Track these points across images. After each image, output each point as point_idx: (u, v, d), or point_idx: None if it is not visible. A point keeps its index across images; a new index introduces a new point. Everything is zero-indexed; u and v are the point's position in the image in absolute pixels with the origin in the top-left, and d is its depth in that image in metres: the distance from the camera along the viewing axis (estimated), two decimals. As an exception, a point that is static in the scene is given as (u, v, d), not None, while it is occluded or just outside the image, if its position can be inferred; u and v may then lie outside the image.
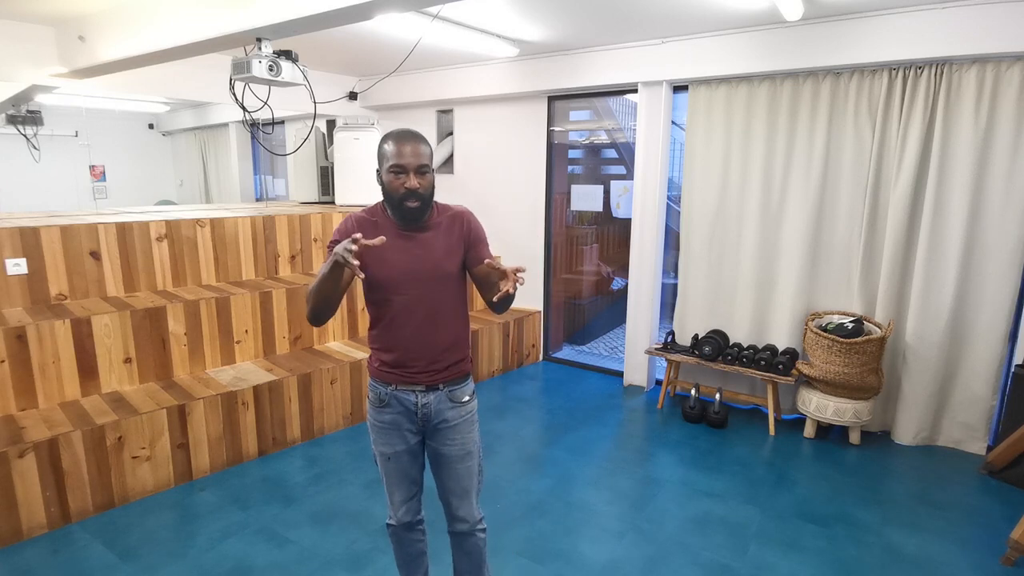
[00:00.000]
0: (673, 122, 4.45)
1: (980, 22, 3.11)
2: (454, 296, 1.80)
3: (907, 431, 3.69)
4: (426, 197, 1.68)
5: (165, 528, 2.75)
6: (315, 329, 4.14)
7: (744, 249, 4.11)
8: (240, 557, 2.55)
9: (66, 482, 2.73)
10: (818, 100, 3.72)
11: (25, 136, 5.80)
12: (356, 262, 1.46)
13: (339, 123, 5.34)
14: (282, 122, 7.00)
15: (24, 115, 5.55)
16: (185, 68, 4.21)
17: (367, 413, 1.90)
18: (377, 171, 1.71)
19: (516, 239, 5.27)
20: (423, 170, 1.66)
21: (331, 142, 5.56)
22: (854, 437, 3.69)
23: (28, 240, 3.16)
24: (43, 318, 2.99)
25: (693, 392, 4.12)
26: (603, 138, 5.67)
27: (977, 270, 3.44)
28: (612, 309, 6.06)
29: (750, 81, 3.93)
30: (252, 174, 7.87)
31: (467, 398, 1.85)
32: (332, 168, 5.53)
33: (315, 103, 3.70)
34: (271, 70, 2.88)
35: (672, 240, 4.71)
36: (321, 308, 1.66)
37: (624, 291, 4.72)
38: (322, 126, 6.19)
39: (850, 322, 3.59)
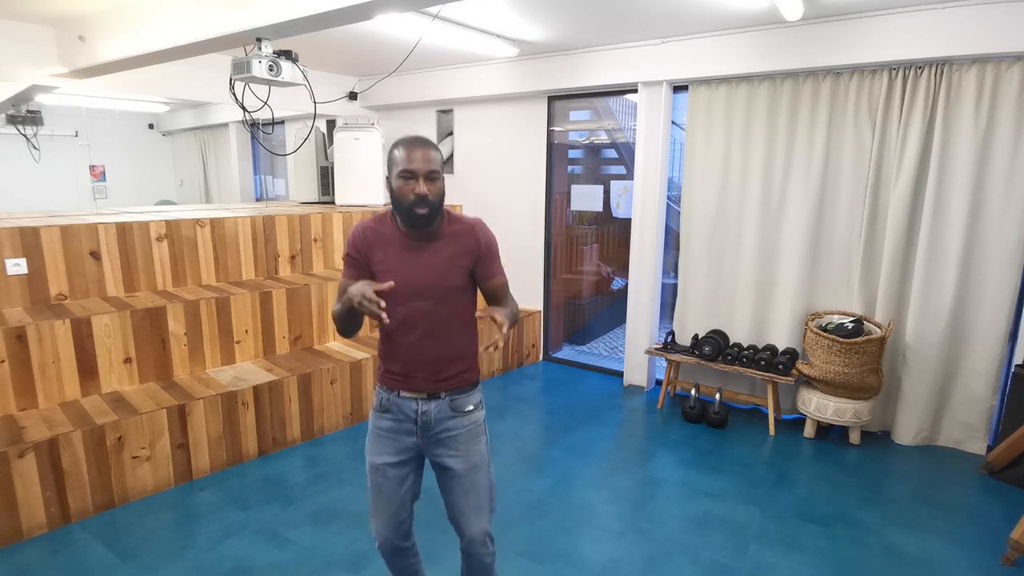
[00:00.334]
0: (673, 122, 4.45)
1: (980, 22, 3.11)
2: (459, 309, 1.76)
3: (907, 431, 3.69)
4: (435, 204, 1.65)
5: (165, 528, 2.75)
6: (315, 329, 4.14)
7: (744, 249, 4.11)
8: (240, 557, 2.55)
9: (66, 482, 2.73)
10: (818, 100, 3.72)
11: (25, 136, 5.80)
12: (384, 315, 1.53)
13: (339, 123, 5.34)
14: (282, 122, 7.00)
15: (24, 115, 5.55)
16: (185, 68, 4.21)
17: (369, 421, 1.87)
18: (386, 178, 1.69)
19: (516, 239, 5.27)
20: (433, 176, 1.63)
21: (331, 142, 5.56)
22: (854, 437, 3.70)
23: (28, 240, 3.16)
24: (43, 318, 2.99)
25: (693, 392, 4.12)
26: (603, 138, 5.67)
27: (977, 270, 3.44)
28: (612, 309, 6.06)
29: (750, 81, 3.93)
30: (252, 174, 7.87)
31: (471, 407, 1.80)
32: (332, 168, 5.53)
33: (315, 103, 3.70)
34: (271, 70, 2.88)
35: (672, 240, 4.71)
36: (348, 332, 1.77)
37: (624, 291, 4.72)
38: (322, 126, 6.19)
39: (850, 322, 3.59)
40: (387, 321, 1.56)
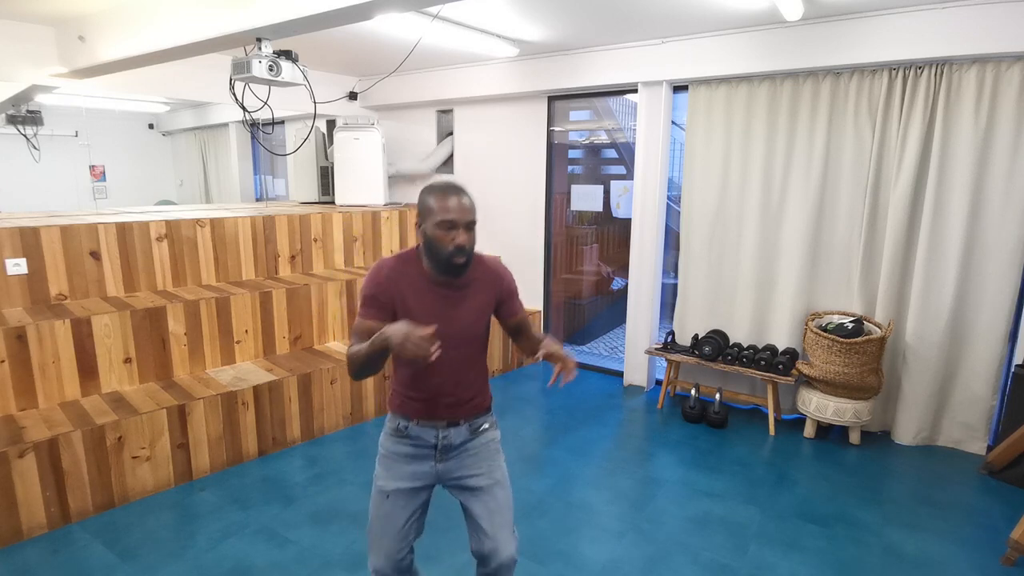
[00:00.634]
0: (673, 122, 4.45)
1: (980, 22, 3.11)
2: (480, 348, 1.80)
3: (907, 431, 3.69)
4: (472, 253, 1.65)
5: (165, 528, 2.75)
6: (315, 329, 4.14)
7: (744, 249, 4.11)
8: (240, 557, 2.55)
9: (66, 482, 2.73)
10: (818, 100, 3.72)
11: (25, 136, 5.80)
12: (434, 356, 1.46)
13: (339, 123, 5.34)
14: (282, 122, 7.00)
15: (24, 115, 5.55)
16: (185, 68, 4.21)
17: (380, 445, 1.80)
18: (417, 224, 1.67)
19: (516, 239, 5.28)
20: (471, 226, 1.63)
21: (331, 142, 5.56)
22: (854, 437, 3.70)
23: (28, 240, 3.16)
24: (43, 318, 2.99)
25: (693, 392, 4.11)
26: (603, 138, 5.67)
27: (977, 270, 3.44)
28: (612, 309, 6.07)
29: (750, 81, 3.93)
30: (252, 174, 7.87)
31: (487, 426, 1.82)
32: (332, 168, 5.53)
33: (315, 103, 3.70)
34: (271, 70, 2.88)
35: (672, 240, 4.71)
36: (366, 373, 1.63)
37: (624, 291, 4.72)
38: (322, 126, 6.19)
39: (850, 322, 3.59)
40: (431, 359, 1.48)
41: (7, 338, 2.85)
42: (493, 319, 1.82)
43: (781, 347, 4.00)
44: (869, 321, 3.69)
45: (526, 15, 3.59)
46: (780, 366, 3.80)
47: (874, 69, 3.52)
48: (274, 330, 3.90)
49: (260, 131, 4.26)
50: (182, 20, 3.00)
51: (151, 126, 8.70)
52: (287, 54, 2.96)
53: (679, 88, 4.30)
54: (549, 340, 1.69)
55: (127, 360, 3.26)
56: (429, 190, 1.65)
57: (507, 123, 5.20)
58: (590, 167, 5.91)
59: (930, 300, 3.54)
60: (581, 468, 3.38)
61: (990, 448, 3.49)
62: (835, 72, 3.64)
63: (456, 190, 1.63)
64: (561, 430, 3.90)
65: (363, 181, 5.26)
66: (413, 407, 1.74)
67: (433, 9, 3.31)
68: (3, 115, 5.46)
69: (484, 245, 5.57)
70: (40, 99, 5.08)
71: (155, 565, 2.49)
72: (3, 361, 2.85)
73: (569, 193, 5.25)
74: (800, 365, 3.80)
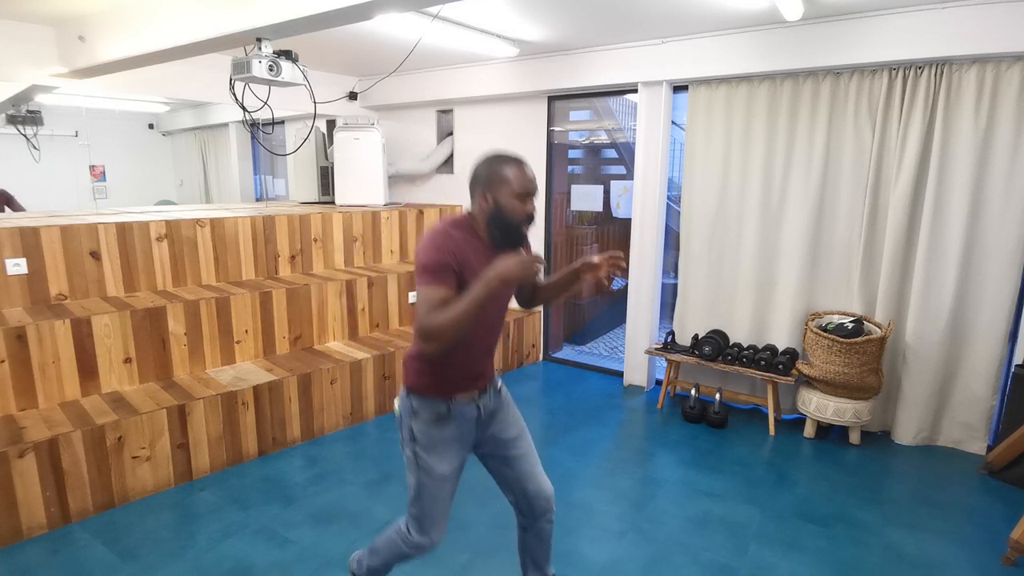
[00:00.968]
0: (673, 122, 4.45)
1: (980, 22, 3.11)
2: (507, 303, 1.91)
3: (907, 431, 3.69)
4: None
5: (165, 528, 2.75)
6: (315, 329, 4.14)
7: (744, 249, 4.11)
8: (240, 557, 2.55)
9: (66, 482, 2.73)
10: (818, 100, 3.72)
11: (25, 136, 5.79)
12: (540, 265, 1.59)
13: (339, 123, 5.34)
14: (282, 122, 7.00)
15: (24, 115, 5.54)
16: (185, 68, 4.21)
17: (415, 434, 1.78)
18: (483, 192, 1.70)
19: (516, 239, 5.26)
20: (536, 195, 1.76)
21: (331, 142, 5.56)
22: (854, 437, 3.69)
23: (28, 240, 3.16)
24: (43, 318, 2.99)
25: (693, 392, 4.12)
26: (603, 138, 5.67)
27: (977, 270, 3.44)
28: (612, 309, 6.06)
29: (750, 81, 3.93)
30: (252, 174, 7.87)
31: (500, 383, 1.96)
32: (332, 168, 5.53)
33: (315, 103, 3.70)
34: (271, 70, 2.88)
35: (672, 240, 4.71)
36: (460, 333, 1.62)
37: (624, 291, 4.72)
38: (322, 126, 6.19)
39: (850, 322, 3.59)
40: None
41: (7, 338, 2.85)
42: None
43: (781, 347, 4.00)
44: (869, 321, 3.69)
45: (526, 15, 3.59)
46: (780, 366, 3.80)
47: (874, 69, 3.52)
48: (274, 330, 3.90)
49: (260, 131, 4.26)
50: (182, 20, 3.00)
51: (151, 126, 8.69)
52: (287, 54, 2.96)
53: (679, 88, 4.30)
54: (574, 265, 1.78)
55: (127, 360, 3.26)
56: (500, 161, 1.70)
57: (507, 123, 5.20)
58: (590, 167, 5.91)
59: (930, 300, 3.54)
60: (581, 468, 3.38)
61: (990, 448, 3.49)
62: (835, 72, 3.64)
63: (525, 162, 1.72)
64: (561, 430, 3.90)
65: (363, 181, 5.26)
66: (454, 385, 1.79)
67: (433, 9, 3.31)
68: (3, 115, 5.46)
69: (484, 245, 5.57)
70: (40, 99, 5.08)
71: (155, 565, 2.49)
72: (3, 361, 2.85)
73: (569, 193, 5.26)
74: (800, 365, 3.80)
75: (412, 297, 4.75)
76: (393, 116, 6.03)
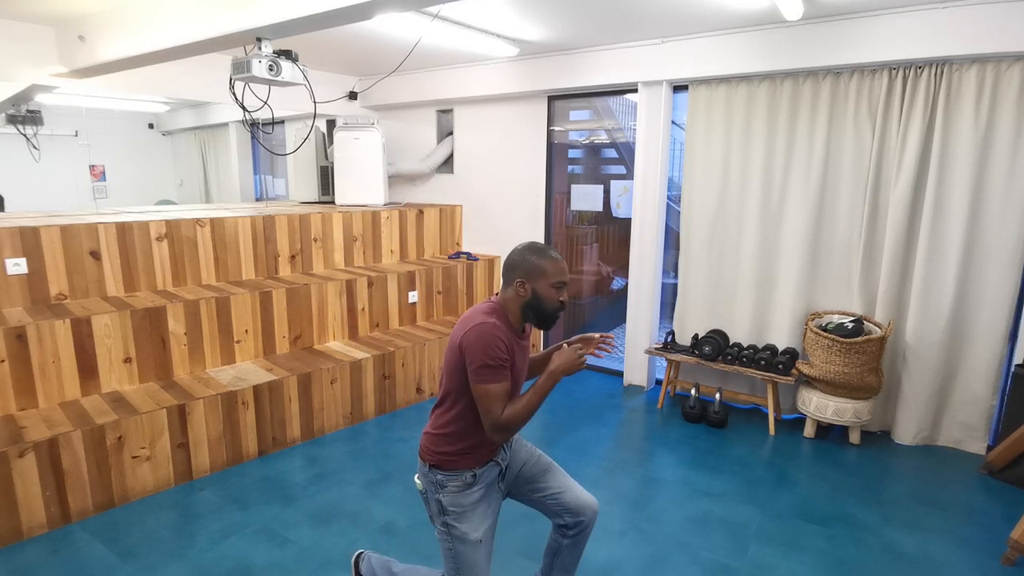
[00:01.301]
0: (673, 122, 4.45)
1: (980, 22, 3.10)
2: None
3: (907, 431, 3.69)
4: None
5: (165, 528, 2.75)
6: (315, 329, 4.14)
7: (744, 249, 4.11)
8: (240, 557, 2.55)
9: (66, 482, 2.73)
10: (818, 100, 3.72)
11: (25, 136, 5.80)
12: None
13: (339, 123, 5.34)
14: (282, 122, 7.00)
15: (24, 115, 5.55)
16: (185, 68, 4.21)
17: (445, 506, 1.81)
18: (520, 282, 1.79)
19: (516, 239, 5.26)
20: None
21: (331, 142, 5.56)
22: (854, 437, 3.70)
23: (28, 240, 3.16)
24: (43, 318, 2.99)
25: (693, 392, 4.12)
26: (603, 138, 5.67)
27: (977, 270, 3.44)
28: (612, 309, 6.06)
29: (750, 81, 3.93)
30: (252, 174, 7.87)
31: None
32: (332, 168, 5.53)
33: (315, 103, 3.70)
34: (271, 70, 2.87)
35: (672, 240, 4.71)
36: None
37: (624, 291, 4.72)
38: (322, 126, 6.19)
39: (850, 322, 3.59)
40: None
41: (7, 338, 2.85)
42: None
43: (781, 347, 4.00)
44: (869, 321, 3.69)
45: (526, 15, 3.59)
46: (780, 366, 3.80)
47: (874, 69, 3.52)
48: (274, 330, 3.90)
49: (260, 131, 4.27)
50: (182, 20, 3.00)
51: (151, 126, 8.70)
52: (287, 54, 2.96)
53: (679, 88, 4.30)
54: (557, 355, 1.83)
55: (127, 360, 3.26)
56: (536, 252, 1.81)
57: (507, 123, 5.20)
58: (590, 167, 5.91)
59: (930, 300, 3.54)
60: (581, 468, 3.38)
61: (990, 448, 3.49)
62: (835, 72, 3.64)
63: (557, 253, 1.84)
64: (561, 430, 3.90)
65: (363, 181, 5.26)
66: (480, 456, 1.84)
67: (433, 9, 3.31)
68: (3, 115, 5.47)
69: (484, 245, 5.58)
70: (40, 99, 5.08)
71: (155, 565, 2.49)
72: (3, 361, 2.85)
73: (569, 193, 5.25)
74: (800, 365, 3.80)
75: (412, 297, 4.75)
76: (393, 116, 6.03)
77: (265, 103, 3.42)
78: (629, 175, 4.93)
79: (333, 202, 5.56)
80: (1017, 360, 3.36)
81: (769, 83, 3.87)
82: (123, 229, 3.50)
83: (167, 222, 3.68)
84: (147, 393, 3.20)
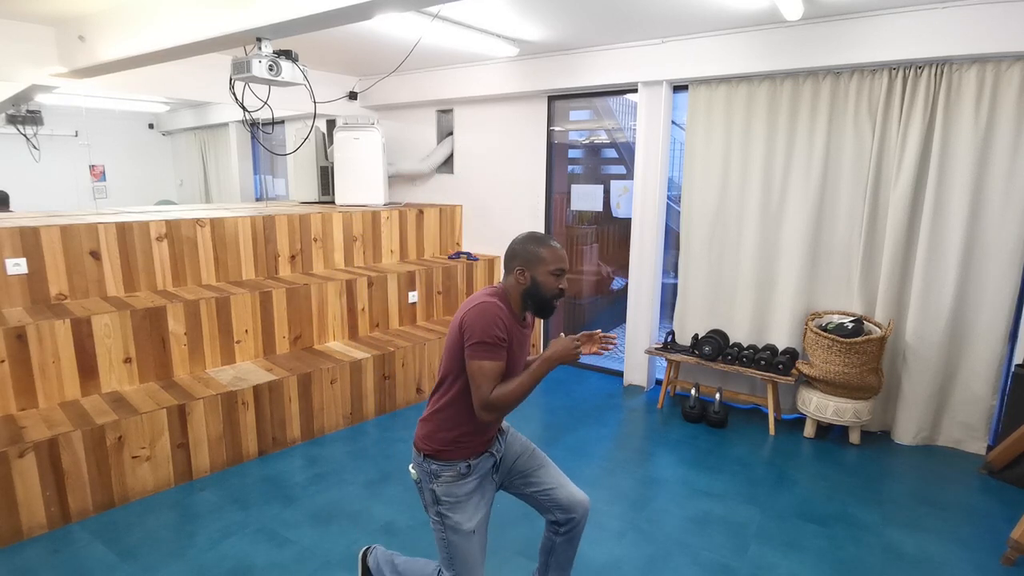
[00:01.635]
0: (673, 122, 4.45)
1: (980, 22, 3.10)
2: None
3: (907, 431, 3.69)
4: None
5: (165, 528, 2.75)
6: (315, 329, 4.14)
7: (744, 249, 4.11)
8: (240, 557, 2.55)
9: (66, 482, 2.73)
10: (818, 100, 3.72)
11: (25, 136, 5.79)
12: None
13: (339, 123, 5.34)
14: (282, 122, 6.99)
15: (24, 115, 5.55)
16: (185, 68, 4.21)
17: (438, 496, 1.82)
18: (520, 270, 1.81)
19: (516, 239, 5.26)
20: None
21: (331, 142, 5.56)
22: (854, 437, 3.69)
23: (28, 240, 3.16)
24: (43, 318, 2.99)
25: (693, 392, 4.12)
26: (603, 138, 5.66)
27: (977, 270, 3.44)
28: (612, 309, 6.06)
29: (750, 81, 3.93)
30: (252, 174, 7.87)
31: (504, 422, 2.02)
32: (332, 168, 5.53)
33: (315, 103, 3.70)
34: (271, 70, 2.87)
35: (672, 240, 4.71)
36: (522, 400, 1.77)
37: (624, 291, 4.72)
38: (322, 126, 6.19)
39: (850, 322, 3.59)
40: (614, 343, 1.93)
41: (7, 338, 2.85)
42: None
43: (781, 347, 4.00)
44: (869, 321, 3.69)
45: (526, 15, 3.59)
46: (780, 366, 3.80)
47: (874, 69, 3.52)
48: (274, 330, 3.90)
49: (260, 131, 4.27)
50: (182, 20, 3.00)
51: (151, 126, 8.69)
52: (287, 54, 2.96)
53: (679, 88, 4.30)
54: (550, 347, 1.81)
55: (127, 360, 3.26)
56: (535, 241, 1.83)
57: (507, 123, 5.20)
58: (590, 167, 5.90)
59: (930, 300, 3.54)
60: (581, 468, 3.38)
61: (990, 448, 3.49)
62: (835, 72, 3.64)
63: (556, 242, 1.86)
64: (561, 430, 3.90)
65: (363, 181, 5.26)
66: (475, 446, 1.85)
67: (433, 9, 3.31)
68: (3, 115, 5.46)
69: (485, 245, 5.58)
70: (40, 99, 5.08)
71: (155, 565, 2.49)
72: (3, 361, 2.85)
73: (569, 193, 5.25)
74: (800, 365, 3.80)
75: (412, 297, 4.75)
76: (393, 116, 6.03)
77: (265, 103, 3.42)
78: (629, 175, 4.93)
79: (333, 202, 5.56)
80: (1017, 360, 3.36)
81: (769, 83, 3.87)
82: (123, 229, 3.50)
83: (167, 222, 3.68)
84: (147, 393, 3.20)
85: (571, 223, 5.44)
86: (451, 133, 5.66)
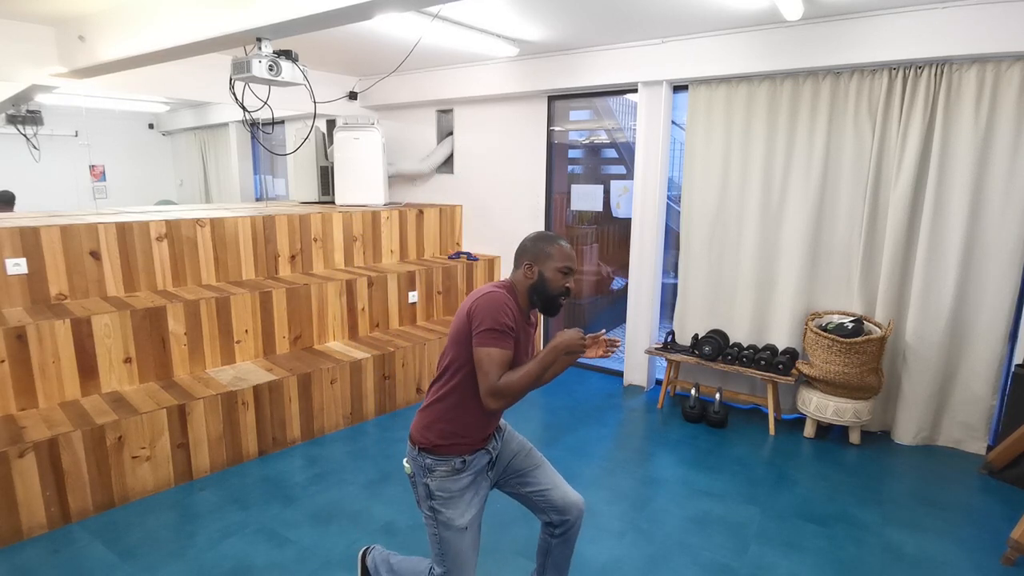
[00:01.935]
0: (673, 122, 4.45)
1: (980, 22, 3.10)
2: None
3: (907, 431, 3.69)
4: None
5: (165, 528, 2.75)
6: (315, 329, 4.14)
7: (744, 249, 4.11)
8: (240, 557, 2.55)
9: (66, 482, 2.73)
10: (818, 100, 3.72)
11: (25, 136, 5.79)
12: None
13: (339, 123, 5.34)
14: (282, 122, 6.99)
15: (24, 115, 5.54)
16: (185, 68, 4.21)
17: (432, 490, 1.81)
18: (528, 264, 1.84)
19: (516, 239, 5.24)
20: None
21: (331, 142, 5.56)
22: (854, 437, 3.69)
23: (28, 240, 3.16)
24: (43, 318, 2.99)
25: (693, 392, 4.12)
26: (603, 138, 5.67)
27: (977, 270, 3.44)
28: (612, 309, 6.06)
29: (750, 81, 3.93)
30: (252, 174, 7.87)
31: (502, 420, 2.02)
32: (332, 168, 5.53)
33: (315, 103, 3.70)
34: (271, 70, 2.87)
35: (672, 240, 4.71)
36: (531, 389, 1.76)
37: (624, 291, 4.72)
38: (322, 126, 6.19)
39: (850, 322, 3.59)
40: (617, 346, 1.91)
41: (7, 338, 2.85)
42: None
43: (781, 347, 4.00)
44: (869, 321, 3.69)
45: (526, 15, 3.59)
46: (780, 366, 3.80)
47: (874, 69, 3.52)
48: (274, 330, 3.90)
49: (260, 131, 4.27)
50: (182, 20, 3.00)
51: (151, 126, 8.69)
52: (287, 54, 2.96)
53: (679, 88, 4.30)
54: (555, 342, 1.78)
55: (127, 360, 3.26)
56: (545, 239, 1.86)
57: (507, 123, 5.20)
58: (590, 167, 5.91)
59: (930, 300, 3.54)
60: (581, 468, 3.38)
61: (990, 448, 3.49)
62: (835, 72, 3.64)
63: (566, 241, 1.88)
64: (561, 430, 3.90)
65: (363, 181, 5.26)
66: (472, 442, 1.84)
67: (433, 9, 3.31)
68: (3, 115, 5.46)
69: (485, 245, 5.58)
70: (40, 99, 5.08)
71: (155, 565, 2.49)
72: (3, 361, 2.85)
73: (569, 193, 5.25)
74: (800, 365, 3.80)
75: (412, 297, 4.75)
76: (393, 116, 6.03)
77: (265, 103, 3.42)
78: (629, 175, 4.93)
79: (333, 202, 5.56)
80: (1017, 360, 3.36)
81: (769, 83, 3.87)
82: (123, 229, 3.50)
83: (167, 222, 3.68)
84: (147, 393, 3.20)
85: (571, 223, 5.44)
86: (451, 133, 5.66)
